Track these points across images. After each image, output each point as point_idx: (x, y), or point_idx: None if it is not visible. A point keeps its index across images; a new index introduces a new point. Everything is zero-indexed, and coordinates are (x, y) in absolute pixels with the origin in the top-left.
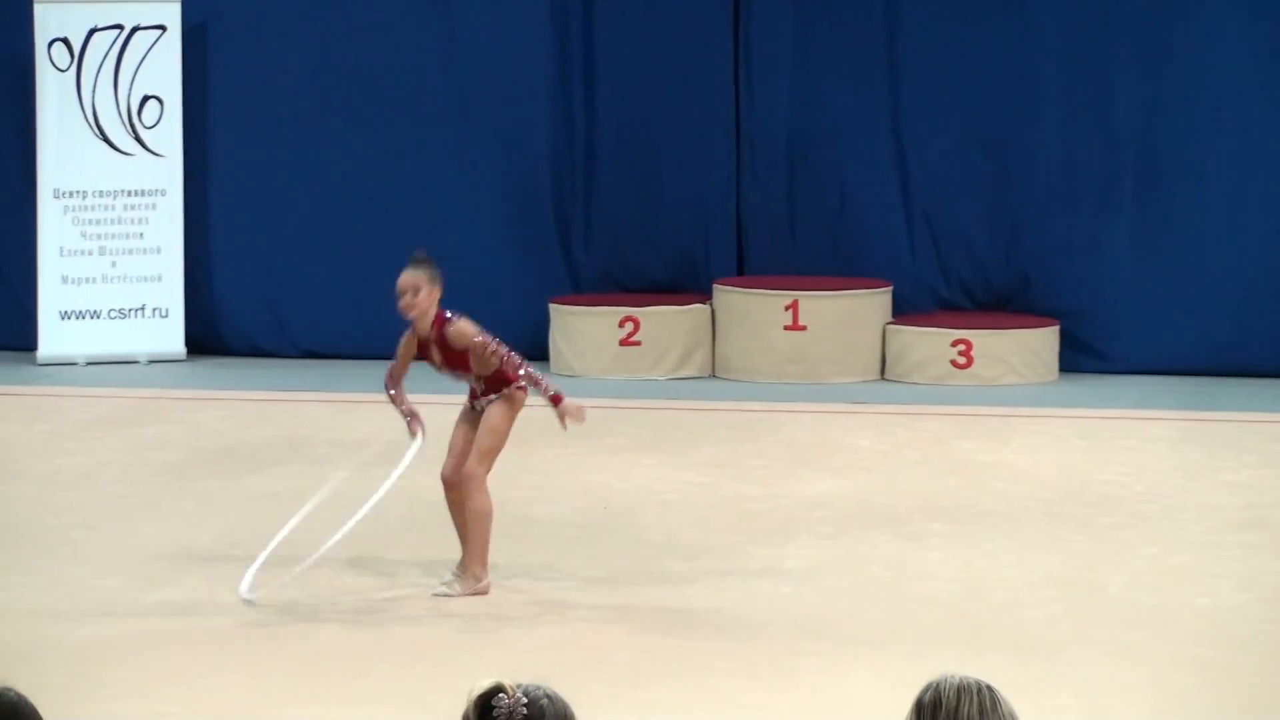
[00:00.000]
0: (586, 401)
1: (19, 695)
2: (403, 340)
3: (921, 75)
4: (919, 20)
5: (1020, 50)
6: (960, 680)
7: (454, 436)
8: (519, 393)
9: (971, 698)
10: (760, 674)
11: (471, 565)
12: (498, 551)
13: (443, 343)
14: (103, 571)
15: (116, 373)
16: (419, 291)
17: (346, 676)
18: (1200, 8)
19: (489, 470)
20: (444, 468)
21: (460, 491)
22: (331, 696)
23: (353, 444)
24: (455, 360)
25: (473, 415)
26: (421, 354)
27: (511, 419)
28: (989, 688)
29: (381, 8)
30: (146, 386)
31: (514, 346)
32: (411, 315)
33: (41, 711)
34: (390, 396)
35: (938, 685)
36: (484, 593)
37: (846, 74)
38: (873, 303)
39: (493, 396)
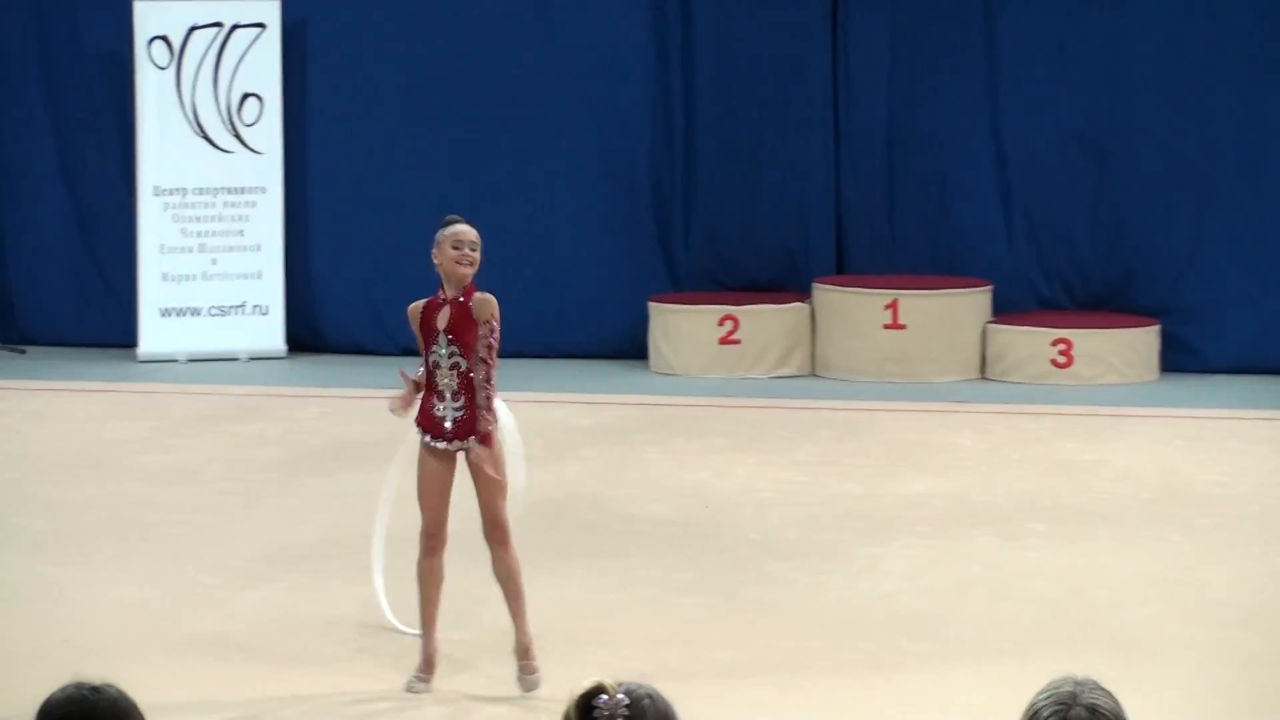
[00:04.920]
0: (686, 400)
1: (120, 692)
2: (417, 320)
3: (1021, 73)
4: (1018, 18)
5: (1120, 47)
6: (1089, 699)
7: (428, 486)
8: (492, 432)
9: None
10: (860, 673)
11: (527, 636)
12: (601, 549)
13: (462, 312)
14: (205, 568)
15: (217, 370)
16: (478, 247)
17: (449, 673)
18: None
19: None
20: (431, 524)
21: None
22: (436, 691)
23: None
24: (460, 336)
25: (439, 456)
26: (421, 326)
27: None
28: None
29: (482, 7)
30: (246, 384)
31: (614, 346)
32: (468, 271)
33: (143, 708)
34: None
35: (1062, 698)
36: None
37: (945, 72)
38: (973, 301)
39: (470, 439)
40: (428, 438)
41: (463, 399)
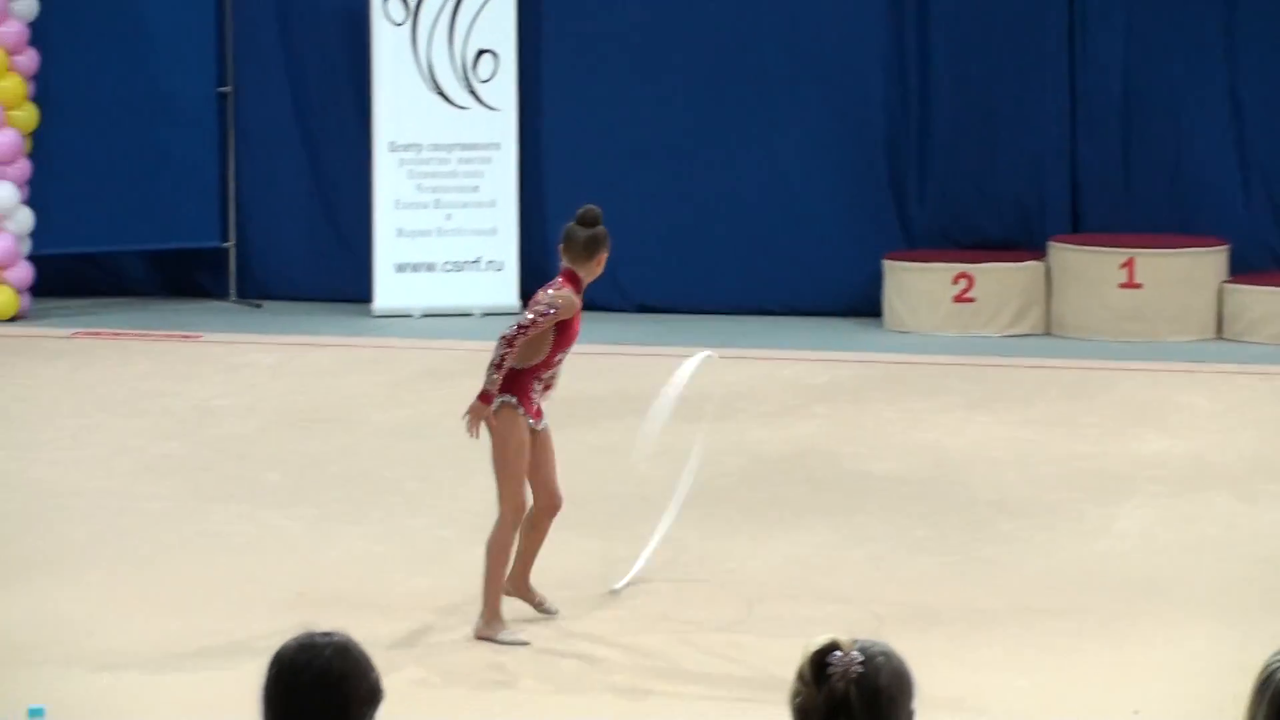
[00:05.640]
0: (919, 358)
1: (348, 639)
2: (573, 312)
3: (1259, 31)
4: None
5: None
6: None
7: (524, 461)
8: (491, 392)
9: None
10: (1093, 633)
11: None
12: (834, 507)
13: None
14: (438, 522)
15: (450, 325)
16: None
17: (673, 637)
18: None
19: None
20: (542, 499)
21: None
22: (666, 651)
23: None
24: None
25: (528, 435)
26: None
27: None
28: None
29: None
30: (480, 339)
31: (848, 303)
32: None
33: (375, 658)
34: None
35: None
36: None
37: (1183, 32)
38: (1209, 261)
39: (544, 418)
40: (525, 414)
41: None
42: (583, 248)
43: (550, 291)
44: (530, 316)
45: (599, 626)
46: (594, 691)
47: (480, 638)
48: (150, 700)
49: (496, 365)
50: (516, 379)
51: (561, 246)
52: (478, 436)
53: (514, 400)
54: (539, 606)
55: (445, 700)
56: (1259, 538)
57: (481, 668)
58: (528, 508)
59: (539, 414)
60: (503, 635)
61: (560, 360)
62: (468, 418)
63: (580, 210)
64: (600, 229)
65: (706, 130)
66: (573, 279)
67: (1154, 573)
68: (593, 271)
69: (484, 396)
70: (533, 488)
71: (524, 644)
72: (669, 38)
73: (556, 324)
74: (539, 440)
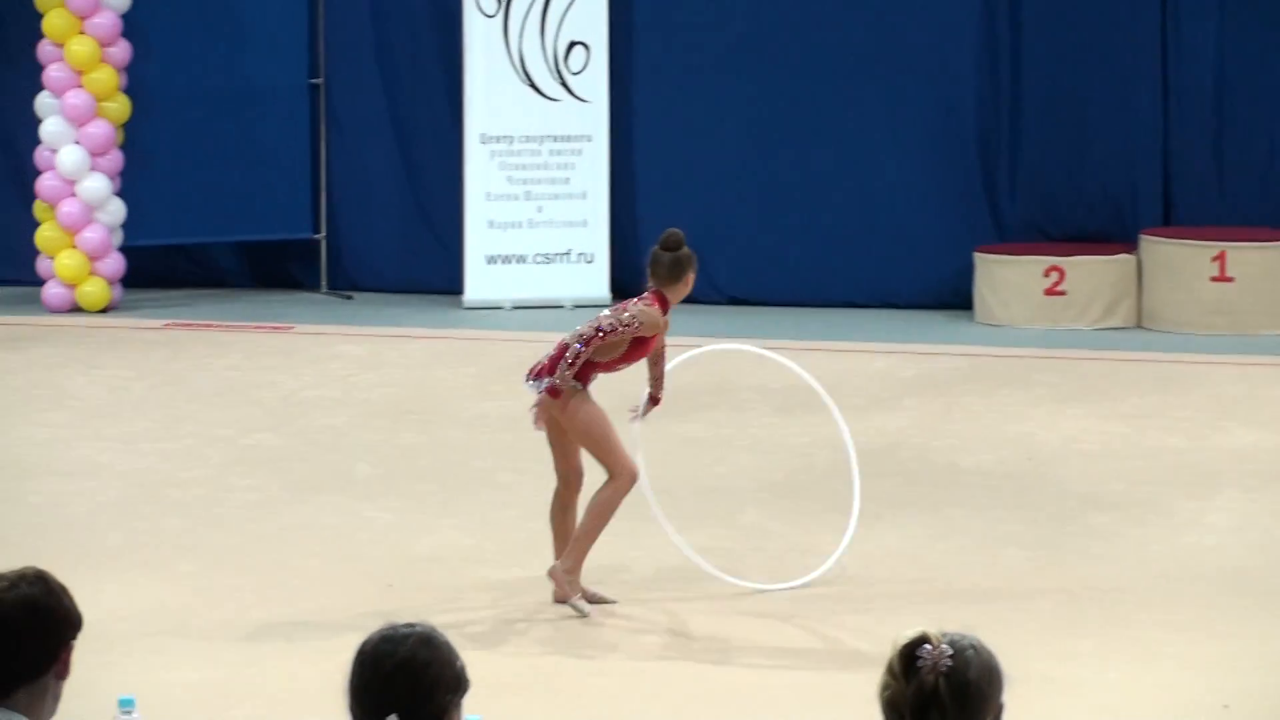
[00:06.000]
0: (1010, 351)
1: (432, 630)
2: (659, 329)
3: None
4: None
5: None
6: None
7: (611, 427)
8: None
9: None
10: (1183, 627)
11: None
12: (924, 499)
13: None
14: (528, 514)
15: (541, 317)
16: None
17: (758, 624)
18: None
19: None
20: (574, 479)
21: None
22: (752, 639)
23: (774, 391)
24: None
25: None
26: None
27: None
28: None
29: None
30: (570, 331)
31: (939, 296)
32: None
33: (462, 649)
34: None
35: None
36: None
37: (1275, 23)
38: None
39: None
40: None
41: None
42: (668, 271)
43: (640, 306)
44: (612, 324)
45: (682, 615)
46: (683, 682)
47: (557, 600)
48: (239, 692)
49: (570, 363)
50: (588, 369)
51: (649, 270)
52: (543, 429)
53: (577, 385)
54: (593, 599)
55: (533, 691)
56: None
57: (571, 659)
58: (636, 470)
59: None
60: (575, 600)
61: (625, 368)
62: (535, 410)
63: (663, 235)
64: (684, 252)
65: (798, 123)
66: (661, 299)
67: (1245, 566)
68: (680, 292)
69: (552, 391)
70: (565, 468)
71: (584, 615)
72: (761, 29)
73: (635, 337)
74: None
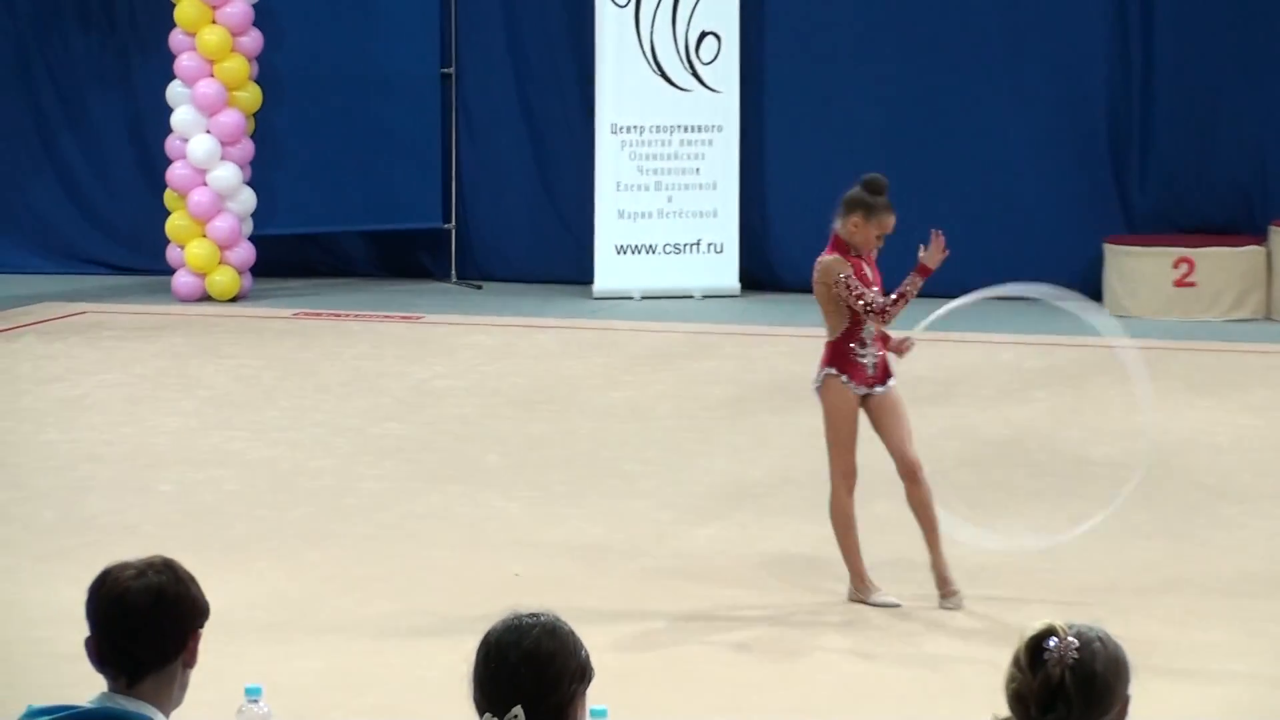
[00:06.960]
0: (1140, 342)
1: (556, 619)
2: (849, 269)
3: None
4: None
5: None
6: None
7: (849, 430)
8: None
9: None
10: None
11: (943, 565)
12: (1051, 491)
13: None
14: (657, 505)
15: (671, 307)
16: None
17: (892, 614)
18: None
19: None
20: (896, 465)
21: (921, 484)
22: (890, 627)
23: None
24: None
25: (855, 402)
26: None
27: None
28: None
29: None
30: (700, 321)
31: (1068, 286)
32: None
33: (590, 639)
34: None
35: None
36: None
37: None
38: None
39: (890, 380)
40: (849, 381)
41: (878, 345)
42: (838, 208)
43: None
44: (847, 295)
45: (787, 610)
46: (813, 671)
47: (853, 600)
48: (365, 682)
49: (892, 303)
50: (835, 350)
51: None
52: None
53: (835, 371)
54: (872, 592)
55: (659, 682)
56: None
57: (699, 649)
58: (856, 475)
59: (873, 380)
60: (874, 597)
61: (864, 321)
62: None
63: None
64: (851, 192)
65: (926, 113)
66: (838, 242)
67: None
68: (849, 234)
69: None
70: (890, 454)
71: (895, 605)
72: (891, 20)
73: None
74: (876, 405)
